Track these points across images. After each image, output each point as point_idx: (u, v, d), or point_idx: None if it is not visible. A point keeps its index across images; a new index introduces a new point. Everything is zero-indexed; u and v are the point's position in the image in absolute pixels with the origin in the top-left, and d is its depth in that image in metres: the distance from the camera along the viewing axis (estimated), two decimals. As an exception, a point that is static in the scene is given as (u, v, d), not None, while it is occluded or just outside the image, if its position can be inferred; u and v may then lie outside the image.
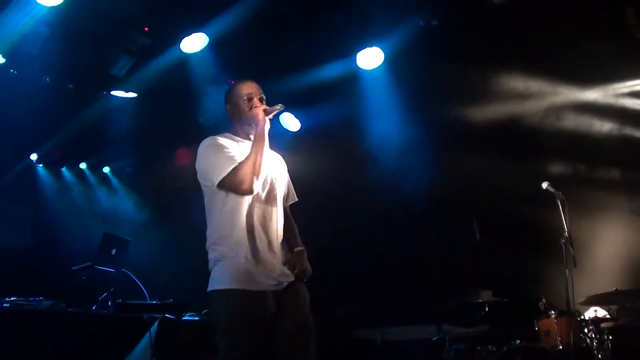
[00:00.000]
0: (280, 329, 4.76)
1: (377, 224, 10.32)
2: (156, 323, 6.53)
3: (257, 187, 4.79)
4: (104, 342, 6.30)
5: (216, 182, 4.76)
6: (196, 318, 7.16)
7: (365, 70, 9.33)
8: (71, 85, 9.44)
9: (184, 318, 7.04)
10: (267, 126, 4.92)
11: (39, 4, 7.51)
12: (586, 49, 8.50)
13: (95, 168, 11.55)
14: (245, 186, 4.71)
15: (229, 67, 9.38)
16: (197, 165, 4.96)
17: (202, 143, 4.99)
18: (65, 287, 7.67)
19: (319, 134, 10.20)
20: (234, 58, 9.21)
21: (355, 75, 9.44)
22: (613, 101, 9.40)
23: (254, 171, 4.72)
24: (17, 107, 9.10)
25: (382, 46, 9.06)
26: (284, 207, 5.17)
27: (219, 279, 4.74)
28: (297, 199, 5.34)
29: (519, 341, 7.63)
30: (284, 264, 4.94)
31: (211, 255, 4.87)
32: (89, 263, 7.54)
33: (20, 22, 7.70)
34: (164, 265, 9.85)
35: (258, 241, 4.81)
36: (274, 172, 5.08)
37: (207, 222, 4.95)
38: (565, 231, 6.99)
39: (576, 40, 8.47)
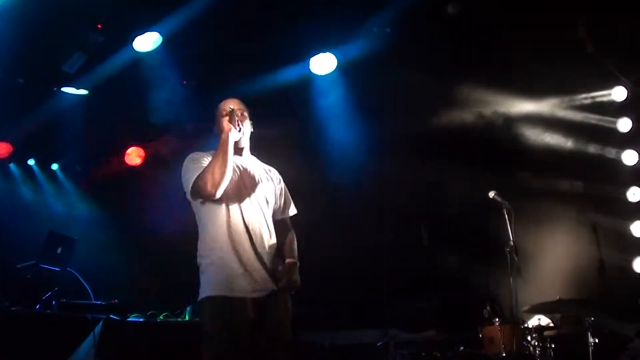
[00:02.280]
0: (259, 336, 4.87)
1: (328, 227, 10.31)
2: (100, 323, 6.48)
3: (219, 191, 4.89)
4: (46, 341, 6.25)
5: (187, 189, 4.96)
6: (141, 319, 7.13)
7: (318, 75, 9.35)
8: (21, 80, 9.32)
9: (128, 319, 6.98)
10: (233, 134, 5.04)
11: (-10, -3, 7.43)
12: (538, 61, 8.62)
13: (44, 165, 11.40)
14: (207, 190, 4.85)
15: (182, 67, 9.35)
16: (181, 178, 5.10)
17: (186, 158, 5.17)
18: (8, 285, 7.57)
19: (271, 138, 10.17)
20: (187, 58, 9.18)
21: (308, 80, 9.46)
22: (564, 113, 9.53)
23: (214, 174, 4.84)
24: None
25: (336, 52, 9.09)
26: (281, 219, 5.38)
27: (204, 288, 4.90)
28: (296, 211, 5.55)
29: (463, 347, 7.69)
30: (272, 273, 5.03)
31: (200, 266, 5.01)
32: (34, 261, 7.45)
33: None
34: (110, 265, 9.76)
35: (243, 252, 4.93)
36: (255, 182, 5.23)
37: (199, 234, 5.08)
38: (510, 240, 7.07)
39: (529, 52, 8.59)
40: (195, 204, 5.06)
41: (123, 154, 11.04)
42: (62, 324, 6.60)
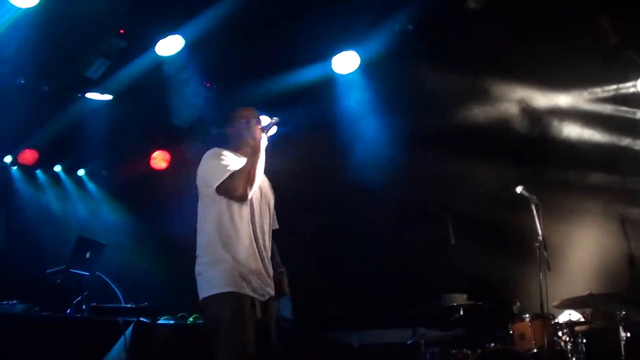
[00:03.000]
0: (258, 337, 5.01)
1: (353, 227, 10.32)
2: (131, 326, 6.50)
3: (250, 194, 5.12)
4: (78, 346, 6.26)
5: (214, 186, 5.10)
6: (171, 321, 7.15)
7: (340, 74, 9.34)
8: (46, 87, 9.38)
9: (158, 321, 7.01)
10: (264, 141, 5.30)
11: (13, 5, 7.46)
12: (562, 54, 8.56)
13: (70, 171, 11.47)
14: (240, 191, 5.06)
15: (205, 70, 9.37)
16: (199, 171, 5.31)
17: (207, 152, 5.36)
18: (39, 290, 7.62)
19: (295, 138, 10.19)
20: (210, 61, 9.20)
21: (331, 80, 9.45)
22: (588, 106, 9.47)
23: (249, 179, 5.07)
24: (-10, 109, 9.04)
25: (358, 50, 9.08)
26: (273, 229, 5.54)
27: (215, 283, 5.03)
28: (277, 226, 5.66)
29: (493, 344, 7.65)
30: (270, 279, 5.25)
31: (204, 259, 5.14)
32: (64, 266, 7.50)
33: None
34: (139, 268, 9.81)
35: (254, 251, 5.15)
36: (267, 192, 5.47)
37: (201, 227, 5.26)
38: (539, 235, 7.03)
39: (552, 45, 8.53)
40: (217, 201, 5.17)
41: (149, 158, 11.09)
42: (93, 327, 6.62)
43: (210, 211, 5.21)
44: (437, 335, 8.43)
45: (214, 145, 5.48)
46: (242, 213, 5.17)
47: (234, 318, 4.91)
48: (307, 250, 10.04)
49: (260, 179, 5.23)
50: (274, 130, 5.49)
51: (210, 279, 5.05)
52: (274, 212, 5.61)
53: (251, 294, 5.05)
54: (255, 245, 5.16)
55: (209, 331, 5.03)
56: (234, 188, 5.06)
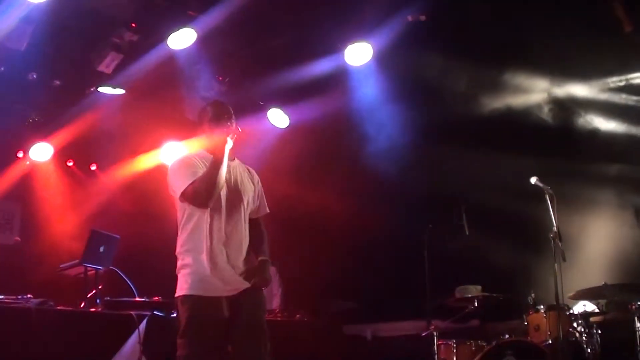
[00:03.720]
0: (234, 331, 5.19)
1: (367, 219, 10.30)
2: (145, 320, 6.51)
3: (211, 202, 5.19)
4: (92, 340, 6.29)
5: (178, 194, 5.25)
6: (185, 315, 7.13)
7: (353, 66, 9.31)
8: (58, 82, 9.39)
9: (172, 315, 7.00)
10: (228, 146, 5.25)
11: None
12: (575, 44, 8.51)
13: (83, 165, 11.49)
14: (200, 200, 5.17)
15: (217, 63, 9.36)
16: (168, 178, 5.40)
17: (174, 159, 5.51)
18: (53, 284, 7.64)
19: (307, 131, 10.19)
20: (222, 54, 9.19)
21: (344, 71, 9.42)
22: (603, 95, 9.41)
23: (208, 186, 5.13)
24: (3, 104, 9.05)
25: (371, 41, 9.04)
26: (255, 218, 5.64)
27: (181, 286, 5.20)
28: (268, 211, 5.76)
29: (508, 336, 7.64)
30: (244, 273, 5.32)
31: (177, 264, 5.30)
32: (77, 260, 7.51)
33: (6, 18, 7.65)
34: (152, 261, 9.80)
35: (217, 253, 5.22)
36: (239, 186, 5.48)
37: (179, 233, 5.38)
38: (554, 226, 6.99)
39: (565, 34, 8.47)
40: (183, 207, 5.31)
41: (161, 151, 11.09)
42: (107, 321, 6.65)
43: (180, 217, 5.34)
44: (451, 327, 8.43)
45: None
46: (208, 217, 5.24)
47: (189, 322, 5.07)
48: (322, 242, 10.05)
49: (222, 185, 5.23)
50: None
51: (179, 281, 5.23)
52: (261, 199, 5.70)
53: (214, 294, 5.15)
54: (222, 246, 5.24)
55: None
56: (194, 196, 5.16)
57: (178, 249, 5.31)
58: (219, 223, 5.26)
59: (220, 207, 5.28)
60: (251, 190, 5.59)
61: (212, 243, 5.20)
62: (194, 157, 5.38)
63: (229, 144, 5.24)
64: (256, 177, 5.73)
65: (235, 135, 5.32)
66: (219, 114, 5.51)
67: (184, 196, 5.19)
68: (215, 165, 5.16)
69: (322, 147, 10.26)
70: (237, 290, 5.22)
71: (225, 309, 5.15)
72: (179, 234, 5.34)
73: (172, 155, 5.44)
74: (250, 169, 5.74)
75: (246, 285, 5.26)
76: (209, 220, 5.23)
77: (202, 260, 5.15)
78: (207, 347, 5.04)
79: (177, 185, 5.22)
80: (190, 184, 5.14)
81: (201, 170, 5.22)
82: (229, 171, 5.35)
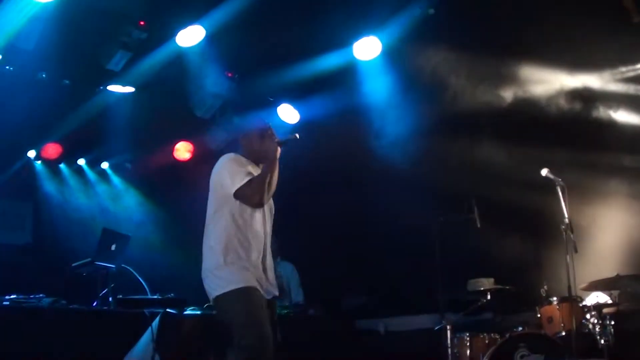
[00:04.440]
0: None
1: (378, 213, 10.31)
2: (158, 318, 6.52)
3: (266, 202, 5.40)
4: (105, 338, 6.30)
5: (232, 190, 5.31)
6: (198, 312, 7.16)
7: (362, 61, 9.30)
8: (67, 81, 9.41)
9: (185, 312, 7.03)
10: (278, 152, 5.48)
11: (34, -1, 7.48)
12: (585, 35, 8.47)
13: (94, 164, 11.51)
14: (257, 198, 5.31)
15: (226, 60, 9.37)
16: (216, 174, 5.50)
17: (223, 157, 5.57)
18: (65, 283, 7.66)
19: (318, 126, 10.18)
20: (231, 51, 9.19)
21: (353, 66, 9.42)
22: (612, 86, 9.37)
23: (265, 187, 5.31)
24: (13, 104, 9.07)
25: (380, 36, 9.03)
26: None
27: (230, 280, 5.22)
28: None
29: (521, 328, 7.64)
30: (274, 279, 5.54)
31: (214, 258, 5.32)
32: (89, 259, 7.53)
33: (15, 18, 7.67)
34: (164, 259, 9.84)
35: (261, 253, 5.42)
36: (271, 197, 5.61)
37: (213, 227, 5.44)
38: (565, 217, 6.98)
39: (574, 25, 8.44)
40: (227, 203, 5.37)
41: (172, 149, 11.11)
42: (120, 319, 6.67)
43: (224, 213, 5.40)
44: (464, 320, 8.42)
45: (232, 147, 5.70)
46: (254, 216, 5.41)
47: (247, 307, 5.13)
48: (334, 237, 10.04)
49: (274, 188, 5.44)
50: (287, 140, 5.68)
51: (223, 277, 5.25)
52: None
53: (261, 290, 5.31)
54: (263, 248, 5.43)
55: (223, 329, 5.26)
56: (251, 194, 5.29)
57: (218, 245, 5.35)
58: (264, 227, 5.47)
59: (264, 211, 5.51)
60: (272, 204, 5.75)
61: (261, 244, 5.42)
62: (243, 158, 5.59)
63: (279, 150, 5.48)
64: None
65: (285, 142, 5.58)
66: (264, 125, 5.74)
67: (239, 193, 5.30)
68: (273, 167, 5.39)
69: (332, 142, 10.25)
70: (269, 295, 5.41)
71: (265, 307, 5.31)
72: (217, 229, 5.40)
73: (222, 159, 5.47)
74: None
75: (275, 294, 5.50)
76: (257, 222, 5.42)
77: (253, 256, 5.33)
78: (269, 331, 5.12)
79: (231, 181, 5.32)
80: (247, 182, 5.28)
81: (252, 173, 5.39)
82: None
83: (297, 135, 5.65)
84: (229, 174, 5.38)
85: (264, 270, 5.39)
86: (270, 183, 5.34)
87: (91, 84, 9.63)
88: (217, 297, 5.24)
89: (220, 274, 5.26)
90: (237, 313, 5.13)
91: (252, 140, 5.66)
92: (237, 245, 5.30)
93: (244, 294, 5.16)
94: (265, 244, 5.47)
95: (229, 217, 5.35)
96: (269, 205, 5.62)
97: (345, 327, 9.55)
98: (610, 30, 8.46)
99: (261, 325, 5.08)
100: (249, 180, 5.28)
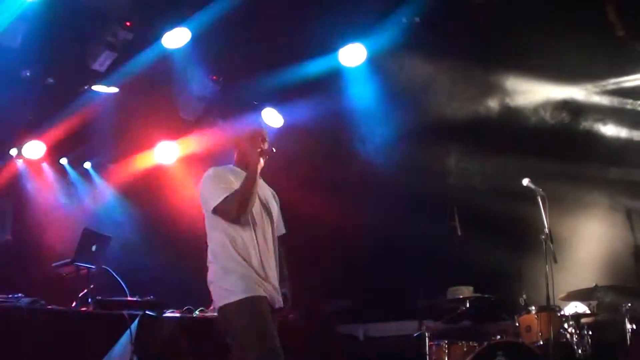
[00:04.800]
0: None
1: (360, 220, 10.31)
2: (137, 320, 6.51)
3: (242, 216, 5.32)
4: (84, 339, 6.28)
5: (210, 209, 5.35)
6: (177, 315, 7.15)
7: (347, 67, 9.33)
8: (52, 80, 9.37)
9: (164, 315, 7.01)
10: (260, 165, 5.40)
11: (20, -4, 7.46)
12: (569, 47, 8.54)
13: (76, 164, 11.45)
14: (232, 215, 5.29)
15: (212, 63, 9.36)
16: (200, 191, 5.50)
17: (206, 172, 5.55)
18: (45, 283, 7.63)
19: (302, 131, 10.18)
20: (217, 54, 9.19)
21: (338, 72, 9.44)
22: (597, 98, 9.44)
23: (241, 202, 5.27)
24: (-4, 102, 9.03)
25: (365, 43, 9.07)
26: (278, 236, 5.74)
27: (232, 291, 5.20)
28: (284, 231, 5.92)
29: (499, 336, 7.67)
30: (278, 290, 5.48)
31: (216, 267, 5.36)
32: (69, 259, 7.50)
33: (1, 15, 7.63)
34: (144, 261, 9.80)
35: (262, 262, 5.36)
36: (267, 204, 5.63)
37: (210, 236, 5.49)
38: (545, 227, 7.03)
39: (559, 38, 8.50)
40: (214, 218, 5.40)
41: (155, 150, 11.07)
42: (98, 321, 6.64)
43: (216, 224, 5.42)
44: (443, 328, 8.45)
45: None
46: (248, 225, 5.38)
47: (253, 320, 5.10)
48: (315, 242, 10.04)
49: (254, 201, 5.38)
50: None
51: (226, 287, 5.23)
52: (280, 219, 5.85)
53: (264, 295, 5.26)
54: (260, 256, 5.35)
55: (228, 339, 5.26)
56: (227, 211, 5.29)
57: (217, 254, 5.39)
58: (257, 235, 5.40)
59: (255, 220, 5.42)
60: (275, 209, 5.76)
61: (260, 250, 5.36)
62: (226, 171, 5.55)
63: (262, 163, 5.40)
64: (277, 197, 5.90)
65: (267, 156, 5.48)
66: (257, 133, 5.68)
67: (216, 211, 5.31)
68: (250, 181, 5.32)
69: (315, 147, 10.26)
70: (274, 305, 5.37)
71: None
72: (214, 238, 5.43)
73: (206, 173, 5.49)
74: (272, 189, 5.89)
75: (281, 304, 5.46)
76: (253, 229, 5.38)
77: (253, 262, 5.29)
78: (271, 343, 5.08)
79: (210, 199, 5.35)
80: (222, 200, 5.27)
81: (234, 185, 5.36)
82: (259, 188, 5.52)
83: (274, 149, 5.58)
84: (207, 191, 5.41)
85: (266, 277, 5.34)
86: (247, 197, 5.29)
87: (75, 84, 9.59)
88: (221, 307, 5.25)
89: (223, 284, 5.26)
90: (244, 326, 5.12)
91: (241, 144, 5.67)
92: (235, 255, 5.28)
93: (250, 305, 5.14)
94: (265, 250, 5.43)
95: (222, 230, 5.36)
96: (267, 210, 5.59)
97: (326, 332, 9.56)
98: (595, 43, 8.53)
99: (272, 338, 5.09)
100: (225, 198, 5.28)
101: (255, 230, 5.40)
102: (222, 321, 5.30)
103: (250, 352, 5.01)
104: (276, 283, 5.43)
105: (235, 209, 5.25)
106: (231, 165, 5.68)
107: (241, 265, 5.25)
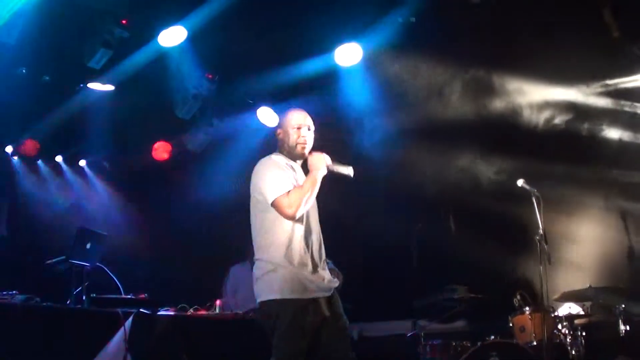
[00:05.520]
0: (326, 332, 5.20)
1: (355, 220, 10.32)
2: (131, 318, 6.49)
3: (300, 214, 5.21)
4: (78, 336, 6.26)
5: (269, 200, 5.19)
6: (171, 313, 7.14)
7: (343, 67, 9.33)
8: (47, 77, 9.37)
9: (158, 313, 7.00)
10: (323, 173, 5.36)
11: (18, -7, 7.45)
12: (564, 48, 8.55)
13: (72, 161, 11.46)
14: (292, 211, 5.15)
15: (207, 62, 9.36)
16: (255, 179, 5.36)
17: (263, 160, 5.43)
18: (39, 281, 7.62)
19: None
20: (213, 52, 9.19)
21: (334, 72, 9.44)
22: (593, 100, 9.46)
23: (303, 201, 5.17)
24: (-8, 98, 9.02)
25: (361, 42, 9.06)
26: None
27: (275, 289, 5.12)
28: None
29: (493, 337, 7.67)
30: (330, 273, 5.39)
31: (262, 264, 5.23)
32: (64, 257, 7.48)
33: (-1, 11, 7.63)
34: (139, 259, 9.81)
35: (310, 251, 5.27)
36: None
37: (256, 231, 5.36)
38: (540, 228, 7.04)
39: (554, 39, 8.52)
40: (267, 207, 5.24)
41: (150, 149, 11.08)
42: (93, 318, 6.61)
43: (264, 217, 5.29)
44: (437, 327, 8.45)
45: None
46: (300, 221, 5.27)
47: (291, 326, 5.04)
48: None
49: (313, 200, 5.33)
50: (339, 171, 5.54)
51: (270, 284, 5.16)
52: None
53: (313, 295, 5.16)
54: (308, 247, 5.27)
55: (266, 332, 5.18)
56: (287, 206, 5.15)
57: (264, 249, 5.26)
58: (308, 224, 5.32)
59: (305, 215, 5.31)
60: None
61: (307, 242, 5.26)
62: (283, 162, 5.43)
63: (325, 172, 5.37)
64: None
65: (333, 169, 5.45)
66: (302, 123, 5.59)
67: (275, 203, 5.17)
68: (314, 186, 5.26)
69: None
70: (330, 292, 5.29)
71: (325, 309, 5.18)
72: (260, 234, 5.31)
73: (262, 162, 5.38)
74: None
75: (336, 284, 5.37)
76: (301, 220, 5.27)
77: (297, 259, 5.17)
78: (304, 349, 5.05)
79: (269, 190, 5.21)
80: (285, 194, 5.17)
81: (290, 177, 5.29)
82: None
83: (352, 175, 5.55)
84: (266, 180, 5.27)
85: (315, 268, 5.22)
86: (308, 198, 5.20)
87: (71, 81, 9.59)
88: (262, 302, 5.19)
89: (266, 279, 5.18)
90: (282, 326, 5.05)
91: (288, 134, 5.52)
92: (280, 250, 5.17)
93: (293, 307, 5.07)
94: (316, 241, 5.35)
95: (270, 221, 5.25)
96: (316, 202, 5.48)
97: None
98: (591, 44, 8.54)
99: (297, 342, 5.04)
100: (288, 192, 5.17)
101: (309, 223, 5.34)
102: (263, 316, 5.22)
103: (277, 352, 5.03)
104: (326, 270, 5.34)
105: (296, 205, 5.13)
106: (277, 154, 5.53)
107: (286, 263, 5.15)
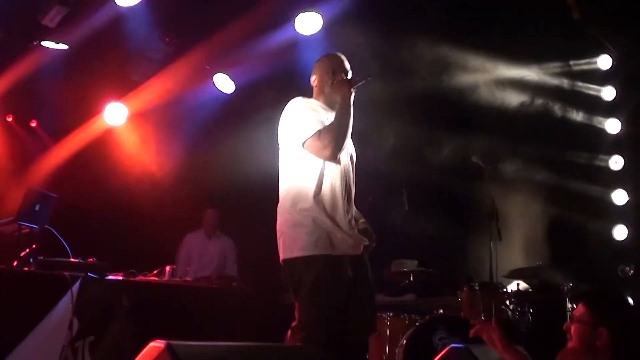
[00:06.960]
0: (353, 295, 4.88)
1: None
2: (78, 282, 6.42)
3: (339, 154, 4.90)
4: (24, 299, 6.17)
5: (300, 142, 4.87)
6: (119, 278, 7.08)
7: (303, 35, 9.27)
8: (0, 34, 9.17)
9: (107, 277, 6.93)
10: (352, 96, 5.00)
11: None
12: (524, 27, 8.57)
13: (23, 121, 11.25)
14: (328, 151, 4.82)
15: (165, 24, 9.24)
16: (284, 121, 5.05)
17: (291, 101, 5.08)
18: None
19: (253, 97, 10.11)
20: (170, 15, 9.06)
21: (294, 40, 9.37)
22: (549, 80, 9.53)
23: (338, 137, 4.83)
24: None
25: (321, 11, 9.01)
26: None
27: (301, 245, 4.79)
28: None
29: (441, 311, 7.73)
30: (359, 232, 5.05)
31: (288, 217, 4.91)
32: (11, 218, 7.37)
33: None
34: (89, 224, 9.69)
35: (340, 206, 4.90)
36: (349, 144, 5.15)
37: (285, 182, 5.04)
38: (491, 205, 7.08)
39: (514, 17, 8.54)
40: (299, 154, 4.95)
41: (104, 111, 10.91)
42: (40, 281, 6.54)
43: (295, 165, 4.98)
44: (386, 300, 8.48)
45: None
46: (330, 167, 4.93)
47: (320, 281, 4.73)
48: (262, 211, 10.00)
49: (349, 138, 5.00)
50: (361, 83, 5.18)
51: (295, 240, 4.84)
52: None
53: (339, 252, 4.83)
54: (344, 201, 4.92)
55: (291, 291, 4.93)
56: (322, 147, 4.82)
57: (291, 203, 4.91)
58: (342, 174, 4.98)
59: (341, 161, 4.98)
60: (353, 149, 5.36)
61: (337, 195, 4.88)
62: (313, 102, 5.13)
63: (352, 94, 5.01)
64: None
65: (358, 85, 5.09)
66: (342, 66, 5.29)
67: (308, 145, 4.86)
68: (345, 113, 4.92)
69: (268, 117, 10.20)
70: (358, 252, 4.93)
71: (349, 270, 4.84)
72: (288, 185, 4.98)
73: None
74: None
75: (365, 243, 5.01)
76: (333, 169, 4.93)
77: (326, 213, 4.82)
78: (334, 310, 4.75)
79: (299, 132, 4.89)
80: (316, 133, 4.83)
81: (323, 119, 4.95)
82: None
83: (370, 77, 5.16)
84: (296, 122, 4.94)
85: (348, 225, 4.87)
86: (343, 132, 4.85)
87: (24, 38, 9.38)
88: (285, 260, 4.89)
89: (291, 234, 4.86)
90: (310, 285, 4.73)
91: (323, 80, 5.23)
92: (311, 202, 4.81)
93: (322, 264, 4.76)
94: (345, 196, 4.94)
95: (307, 170, 4.89)
96: (348, 151, 5.14)
97: (269, 302, 9.54)
98: (551, 25, 8.58)
99: (336, 303, 4.76)
100: (318, 131, 4.82)
101: (345, 173, 5.01)
102: (286, 275, 4.90)
103: (306, 315, 4.76)
104: (357, 224, 5.06)
105: (331, 145, 4.78)
106: (313, 100, 5.20)
107: (317, 216, 4.79)
